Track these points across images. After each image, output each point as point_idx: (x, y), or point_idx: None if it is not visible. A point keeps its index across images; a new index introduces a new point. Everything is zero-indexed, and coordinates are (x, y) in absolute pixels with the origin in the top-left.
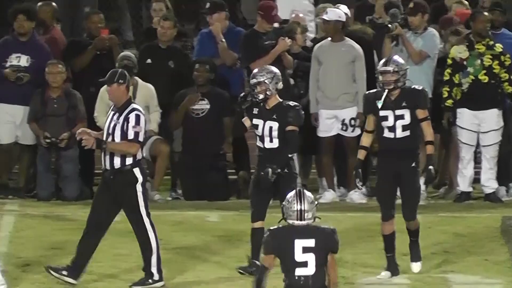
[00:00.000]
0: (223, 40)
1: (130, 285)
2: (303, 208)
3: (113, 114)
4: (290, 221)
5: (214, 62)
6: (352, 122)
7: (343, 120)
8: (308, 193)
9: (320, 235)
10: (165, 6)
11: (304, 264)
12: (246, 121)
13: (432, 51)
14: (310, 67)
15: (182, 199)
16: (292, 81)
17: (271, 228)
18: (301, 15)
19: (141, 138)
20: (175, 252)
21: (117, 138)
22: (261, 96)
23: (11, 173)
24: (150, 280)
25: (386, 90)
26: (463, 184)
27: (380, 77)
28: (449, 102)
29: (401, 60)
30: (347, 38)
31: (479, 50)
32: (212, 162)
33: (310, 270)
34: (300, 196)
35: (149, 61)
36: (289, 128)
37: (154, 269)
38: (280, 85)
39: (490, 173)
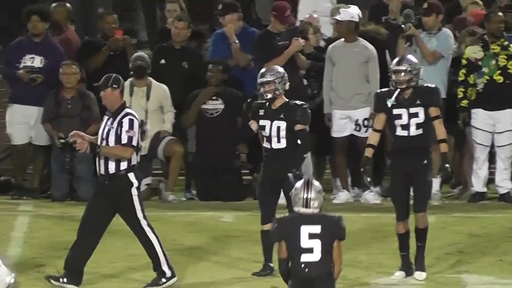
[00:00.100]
0: (237, 41)
1: (144, 286)
2: (309, 196)
3: (107, 119)
4: (296, 209)
5: (228, 62)
6: (366, 122)
7: (357, 120)
8: (316, 183)
9: (326, 222)
10: (179, 7)
11: (310, 250)
12: (252, 125)
13: (446, 52)
14: (322, 67)
15: (196, 200)
16: (305, 82)
17: (278, 217)
18: (315, 15)
19: (134, 143)
20: (189, 253)
21: (111, 143)
22: (269, 96)
23: (25, 174)
24: (163, 279)
25: (398, 89)
26: (478, 184)
27: (393, 76)
28: (464, 103)
29: (414, 59)
30: (360, 39)
31: (494, 51)
32: (226, 163)
33: (316, 256)
34: (307, 185)
35: (163, 61)
36: (298, 127)
37: (165, 267)
38: (287, 86)
39: (505, 174)
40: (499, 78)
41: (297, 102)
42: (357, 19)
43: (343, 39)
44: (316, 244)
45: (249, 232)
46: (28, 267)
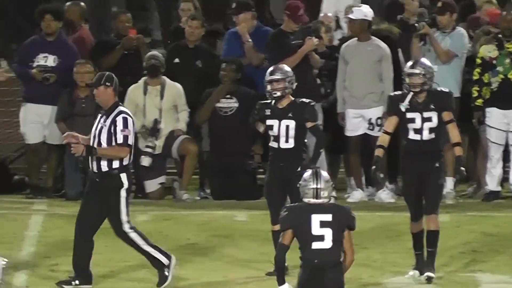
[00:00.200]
0: (250, 40)
1: (157, 286)
2: (319, 187)
3: (101, 117)
4: (306, 200)
5: (241, 61)
6: (379, 121)
7: (370, 119)
8: (324, 173)
9: (337, 211)
10: (193, 6)
11: (321, 238)
12: (259, 126)
13: (460, 51)
14: (335, 66)
15: (210, 199)
16: (318, 81)
17: (289, 205)
18: (329, 14)
19: (130, 142)
20: (202, 252)
21: (103, 141)
22: (278, 93)
23: (39, 173)
24: (165, 272)
25: (411, 93)
26: (492, 183)
27: (407, 79)
28: (479, 102)
29: (428, 63)
30: (373, 37)
31: (509, 49)
32: (240, 162)
33: (327, 244)
34: (316, 175)
35: (176, 60)
36: (309, 124)
37: (158, 256)
38: (294, 86)
39: None
40: None
41: (304, 100)
42: (370, 18)
43: (356, 38)
44: (328, 232)
45: (263, 232)
46: (42, 266)
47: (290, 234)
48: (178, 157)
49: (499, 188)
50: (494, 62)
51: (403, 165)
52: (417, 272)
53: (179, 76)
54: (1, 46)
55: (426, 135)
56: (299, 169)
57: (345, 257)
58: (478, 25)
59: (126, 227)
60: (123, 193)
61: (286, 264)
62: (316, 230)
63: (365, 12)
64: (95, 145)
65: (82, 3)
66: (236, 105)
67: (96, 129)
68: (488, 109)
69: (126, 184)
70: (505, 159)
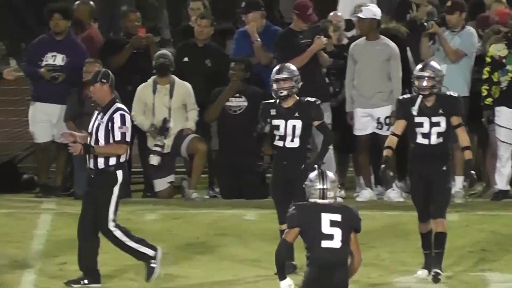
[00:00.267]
0: (259, 39)
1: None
2: (325, 187)
3: (98, 114)
4: (313, 200)
5: (250, 60)
6: (387, 120)
7: (378, 118)
8: (330, 173)
9: (346, 212)
10: (202, 5)
11: (331, 237)
12: (264, 127)
13: (469, 50)
14: (343, 65)
15: (219, 198)
16: (327, 80)
17: (297, 203)
18: (339, 13)
19: (128, 138)
20: (212, 251)
21: (101, 138)
22: (284, 92)
23: (48, 172)
24: (151, 264)
25: (420, 96)
26: (501, 182)
27: (416, 82)
28: (489, 100)
29: (438, 66)
30: (382, 37)
31: None
32: (249, 161)
33: (336, 243)
34: (322, 176)
35: (186, 59)
36: (317, 123)
37: (143, 249)
38: (300, 85)
39: None
40: None
41: (309, 99)
42: (379, 17)
43: (365, 37)
44: (337, 232)
45: (272, 230)
46: (51, 265)
47: (295, 232)
48: (187, 156)
49: (508, 187)
50: (504, 61)
51: (411, 168)
52: (425, 271)
53: (188, 75)
54: (10, 45)
55: (434, 140)
56: (303, 166)
57: (352, 258)
58: (488, 24)
59: (111, 225)
60: (115, 190)
61: (295, 263)
62: (326, 229)
63: (374, 11)
64: (93, 143)
65: (91, 2)
66: (245, 104)
67: (93, 126)
68: (497, 108)
69: (120, 180)
70: None
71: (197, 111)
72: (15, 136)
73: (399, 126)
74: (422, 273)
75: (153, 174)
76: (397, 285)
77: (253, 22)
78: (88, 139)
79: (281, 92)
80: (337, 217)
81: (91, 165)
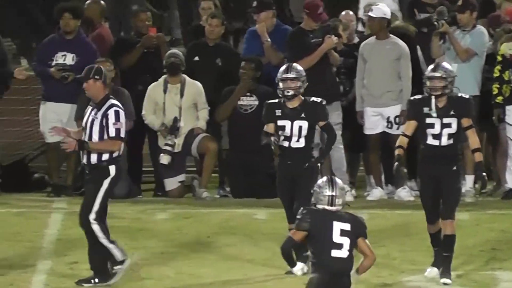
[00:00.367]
0: (268, 39)
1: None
2: (335, 194)
3: (91, 110)
4: (321, 207)
5: (261, 60)
6: (397, 119)
7: (388, 117)
8: (339, 180)
9: (354, 221)
10: (213, 4)
11: (340, 247)
12: (269, 128)
13: (480, 49)
14: (353, 64)
15: (230, 197)
16: (337, 79)
17: (308, 207)
18: (351, 13)
19: (122, 134)
20: (222, 250)
21: (95, 134)
22: (291, 92)
23: (59, 171)
24: (114, 270)
25: (433, 97)
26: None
27: (428, 83)
28: (499, 99)
29: (449, 67)
30: (392, 36)
31: None
32: (260, 160)
33: (344, 253)
34: (332, 182)
35: (196, 58)
36: (322, 123)
37: (114, 252)
38: (306, 85)
39: None
40: None
41: (314, 99)
42: (389, 16)
43: (374, 36)
44: (346, 242)
45: (282, 230)
46: (61, 264)
47: (303, 235)
48: (198, 155)
49: None
50: None
51: (420, 170)
52: (434, 269)
53: (199, 74)
54: (20, 44)
55: (444, 141)
56: (306, 165)
57: (365, 257)
58: (499, 24)
59: (91, 217)
60: (105, 183)
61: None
62: (336, 238)
63: (385, 10)
64: (86, 138)
65: (102, 1)
66: (256, 103)
67: (87, 121)
68: (508, 107)
69: (112, 175)
70: None
71: (208, 110)
72: (26, 135)
73: (410, 126)
74: (431, 270)
75: (163, 173)
76: (407, 284)
77: (262, 23)
78: (82, 134)
79: (288, 92)
80: (347, 227)
81: (85, 160)
